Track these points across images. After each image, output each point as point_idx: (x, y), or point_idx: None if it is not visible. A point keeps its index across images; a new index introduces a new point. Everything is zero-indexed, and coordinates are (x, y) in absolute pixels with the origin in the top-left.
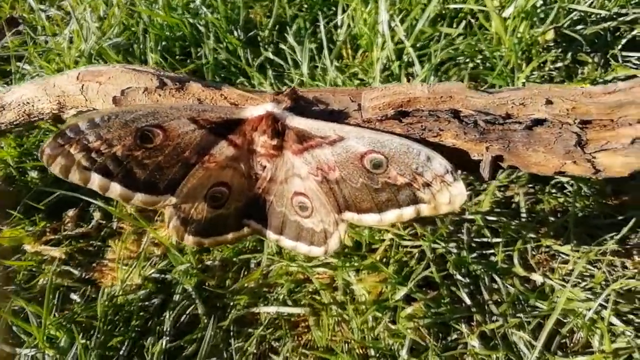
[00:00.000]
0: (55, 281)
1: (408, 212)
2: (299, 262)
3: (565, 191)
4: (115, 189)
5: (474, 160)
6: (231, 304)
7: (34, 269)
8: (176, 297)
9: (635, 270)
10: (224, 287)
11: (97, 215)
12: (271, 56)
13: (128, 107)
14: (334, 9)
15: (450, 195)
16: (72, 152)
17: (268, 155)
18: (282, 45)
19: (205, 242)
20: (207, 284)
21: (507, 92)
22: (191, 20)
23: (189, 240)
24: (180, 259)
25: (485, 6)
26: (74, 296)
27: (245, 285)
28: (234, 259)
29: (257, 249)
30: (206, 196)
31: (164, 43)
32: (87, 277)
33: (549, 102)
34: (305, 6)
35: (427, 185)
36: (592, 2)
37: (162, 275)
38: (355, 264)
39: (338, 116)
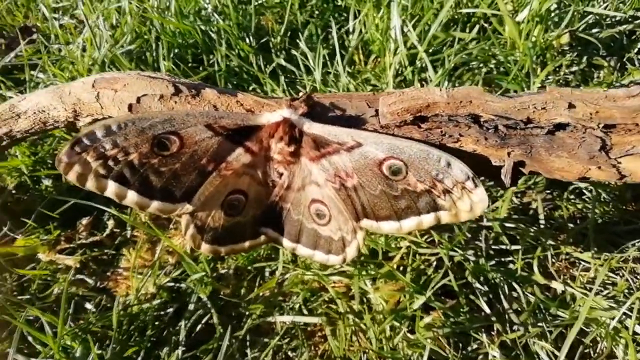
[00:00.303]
0: (70, 290)
1: (428, 219)
2: (314, 270)
3: (583, 197)
4: (132, 197)
5: (495, 166)
6: (246, 313)
7: (48, 278)
8: (191, 307)
9: None
10: (239, 296)
11: (110, 223)
12: (283, 63)
13: (144, 114)
14: (345, 14)
15: (471, 202)
16: (88, 160)
17: (285, 162)
18: (294, 52)
19: (221, 250)
20: (221, 292)
21: (528, 96)
22: (203, 28)
23: (206, 248)
24: (194, 267)
25: (498, 10)
26: (88, 305)
27: (260, 294)
28: (249, 268)
29: (271, 257)
30: (223, 204)
31: (176, 50)
32: (101, 286)
33: (571, 106)
34: (317, 12)
35: (447, 192)
36: (607, 6)
37: (177, 284)
38: (372, 272)
39: (355, 122)
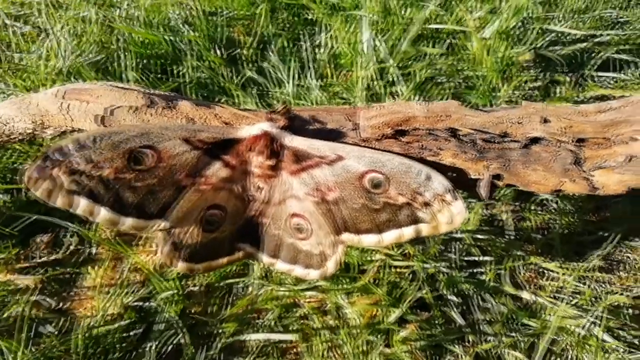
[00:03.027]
0: (28, 312)
1: (408, 232)
2: (288, 285)
3: (548, 208)
4: (104, 214)
5: (471, 179)
6: (217, 332)
7: (5, 300)
8: (159, 326)
9: (621, 286)
10: (210, 314)
11: (72, 240)
12: (254, 75)
13: (118, 127)
14: (315, 28)
15: (450, 214)
16: (57, 175)
17: (264, 176)
18: (264, 64)
19: (198, 267)
20: (191, 311)
21: (503, 110)
22: (171, 38)
23: (182, 266)
24: (163, 285)
25: (465, 26)
26: (48, 328)
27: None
28: (219, 284)
29: (242, 272)
30: (200, 220)
31: (144, 61)
32: (62, 307)
33: (545, 120)
34: (287, 26)
35: (427, 204)
36: (566, 24)
37: (144, 303)
38: (346, 287)
39: (335, 135)
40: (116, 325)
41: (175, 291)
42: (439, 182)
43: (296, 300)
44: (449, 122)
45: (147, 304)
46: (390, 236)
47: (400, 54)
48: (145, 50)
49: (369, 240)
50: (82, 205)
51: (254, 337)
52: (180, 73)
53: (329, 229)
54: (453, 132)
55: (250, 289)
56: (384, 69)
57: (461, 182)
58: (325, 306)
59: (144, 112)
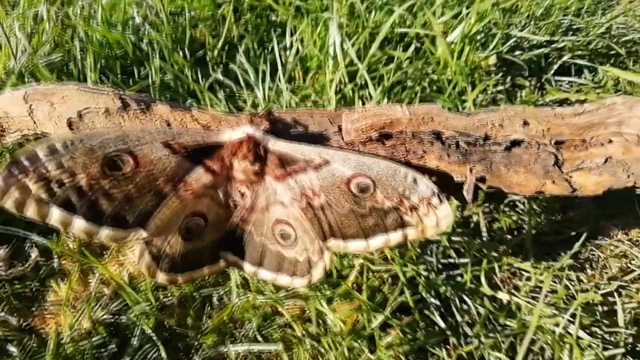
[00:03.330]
0: None
1: (395, 237)
2: (267, 294)
3: (517, 209)
4: (79, 224)
5: (454, 182)
6: (196, 344)
7: None
8: (134, 342)
9: (590, 283)
10: (186, 327)
11: (34, 252)
12: (221, 77)
13: (93, 131)
14: (280, 29)
15: (437, 218)
16: (28, 184)
17: (248, 182)
18: (232, 66)
19: (179, 278)
20: (167, 324)
21: (484, 113)
22: (133, 38)
23: (163, 278)
24: (136, 297)
25: (430, 30)
26: (11, 348)
27: (210, 323)
28: (195, 295)
29: (218, 282)
30: (180, 228)
31: (103, 62)
32: (25, 325)
33: (525, 123)
34: (252, 27)
35: (414, 208)
36: (525, 30)
37: (116, 318)
38: (328, 293)
39: (318, 139)
40: (87, 342)
41: (149, 304)
42: (425, 185)
43: (276, 308)
44: (432, 124)
45: (119, 318)
46: (377, 241)
47: (369, 58)
48: (105, 50)
49: (355, 246)
50: (55, 215)
51: (234, 349)
52: (143, 75)
53: (315, 235)
54: (437, 135)
55: (227, 298)
56: (352, 72)
57: (443, 187)
58: (307, 314)
59: (117, 115)
